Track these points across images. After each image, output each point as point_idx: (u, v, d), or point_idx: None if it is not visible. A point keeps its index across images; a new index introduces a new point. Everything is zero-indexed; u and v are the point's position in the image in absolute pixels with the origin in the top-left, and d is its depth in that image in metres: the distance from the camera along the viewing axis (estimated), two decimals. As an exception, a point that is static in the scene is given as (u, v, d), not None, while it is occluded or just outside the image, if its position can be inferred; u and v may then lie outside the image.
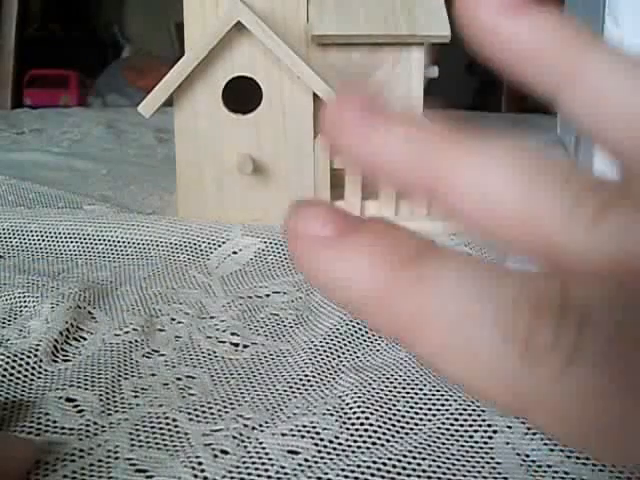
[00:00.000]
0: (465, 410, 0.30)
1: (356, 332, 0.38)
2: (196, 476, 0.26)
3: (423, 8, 0.58)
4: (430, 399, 0.31)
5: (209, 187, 0.55)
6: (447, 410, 0.30)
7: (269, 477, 0.26)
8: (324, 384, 0.33)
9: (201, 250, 0.49)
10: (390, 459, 0.27)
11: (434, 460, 0.27)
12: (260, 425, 0.29)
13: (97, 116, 1.14)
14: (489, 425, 0.29)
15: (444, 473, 0.27)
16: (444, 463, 0.27)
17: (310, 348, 0.36)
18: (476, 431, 0.29)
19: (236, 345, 0.37)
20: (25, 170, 0.73)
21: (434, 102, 0.84)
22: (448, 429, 0.29)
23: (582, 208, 0.13)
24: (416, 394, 0.31)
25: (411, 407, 0.30)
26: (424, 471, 0.27)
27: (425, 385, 0.31)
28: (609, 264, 0.13)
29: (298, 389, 0.33)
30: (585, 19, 0.72)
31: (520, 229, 0.14)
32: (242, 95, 0.54)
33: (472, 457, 0.27)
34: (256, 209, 0.55)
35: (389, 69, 0.59)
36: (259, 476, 0.26)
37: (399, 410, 0.30)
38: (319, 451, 0.28)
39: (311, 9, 0.56)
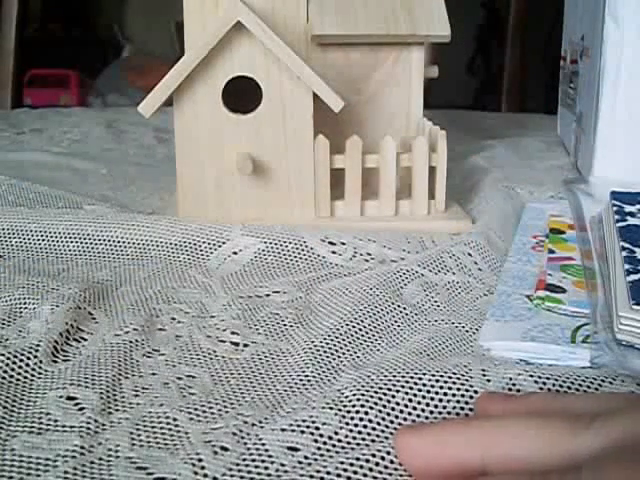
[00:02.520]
0: (464, 406, 0.30)
1: (356, 332, 0.38)
2: (196, 473, 0.26)
3: (423, 8, 0.58)
4: (429, 391, 0.31)
5: (209, 187, 0.55)
6: (447, 404, 0.30)
7: (269, 475, 0.26)
8: (324, 383, 0.33)
9: (201, 250, 0.49)
10: (389, 453, 0.27)
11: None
12: (260, 421, 0.30)
13: (97, 116, 1.14)
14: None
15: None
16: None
17: (310, 348, 0.36)
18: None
19: (236, 344, 0.37)
20: (25, 170, 0.73)
21: (434, 102, 0.85)
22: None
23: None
24: (415, 384, 0.31)
25: (410, 400, 0.30)
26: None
27: (425, 374, 0.31)
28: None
29: (298, 388, 0.33)
30: (585, 19, 0.73)
31: None
32: (242, 95, 0.55)
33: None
34: (256, 209, 0.55)
35: (389, 69, 0.60)
36: (259, 474, 0.26)
37: (397, 403, 0.30)
38: (319, 448, 0.28)
39: (311, 9, 0.56)
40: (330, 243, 0.50)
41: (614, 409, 0.25)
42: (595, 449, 0.23)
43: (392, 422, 0.29)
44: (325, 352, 0.36)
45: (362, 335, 0.38)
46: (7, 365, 0.34)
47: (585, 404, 0.26)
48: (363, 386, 0.31)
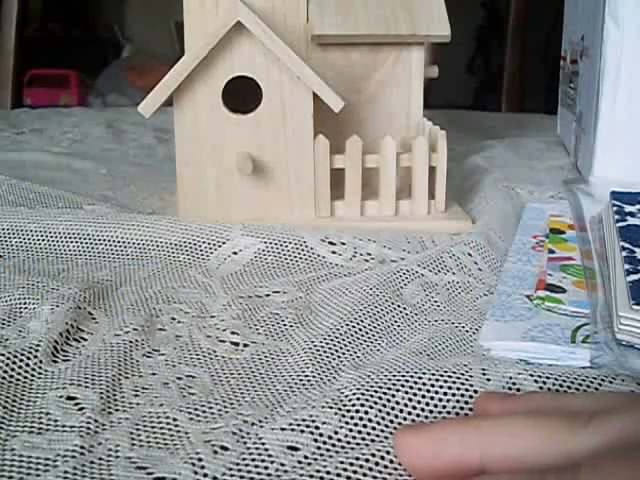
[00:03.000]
0: (464, 406, 0.30)
1: (356, 332, 0.38)
2: (196, 472, 0.26)
3: (423, 8, 0.58)
4: (429, 391, 0.31)
5: (209, 187, 0.55)
6: (447, 403, 0.30)
7: (269, 474, 0.26)
8: (324, 383, 0.33)
9: (201, 250, 0.49)
10: (389, 452, 0.27)
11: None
12: (259, 421, 0.30)
13: (97, 116, 1.14)
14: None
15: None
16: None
17: (310, 348, 0.36)
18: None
19: (236, 344, 0.37)
20: (25, 170, 0.73)
21: (434, 102, 0.85)
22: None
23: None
24: (415, 384, 0.31)
25: (409, 399, 0.30)
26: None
27: (425, 373, 0.31)
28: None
29: (298, 388, 0.33)
30: (585, 19, 0.73)
31: None
32: (242, 95, 0.55)
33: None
34: (256, 209, 0.55)
35: (389, 69, 0.60)
36: (259, 473, 0.26)
37: (397, 403, 0.30)
38: (318, 447, 0.28)
39: (311, 9, 0.56)
40: (330, 243, 0.50)
41: (613, 407, 0.25)
42: (593, 447, 0.23)
43: (392, 421, 0.29)
44: (325, 352, 0.36)
45: (362, 335, 0.38)
46: (7, 365, 0.34)
47: (584, 403, 0.26)
48: (363, 385, 0.31)
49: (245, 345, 0.37)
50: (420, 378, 0.31)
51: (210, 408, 0.31)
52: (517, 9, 1.58)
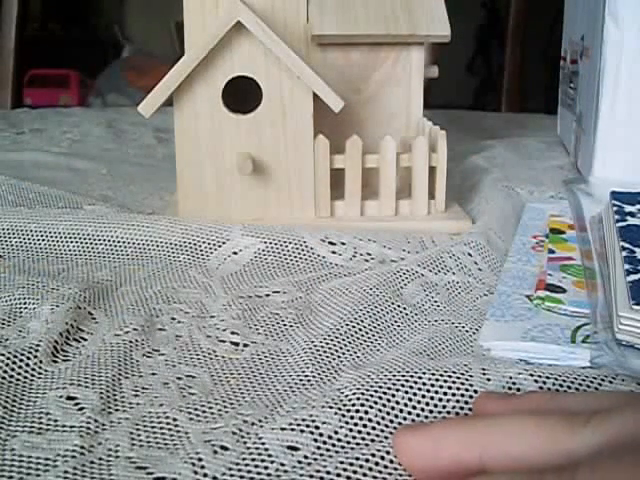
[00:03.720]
0: (464, 406, 0.30)
1: (356, 332, 0.38)
2: (196, 472, 0.26)
3: (423, 8, 0.58)
4: (429, 391, 0.31)
5: (209, 187, 0.55)
6: (447, 403, 0.30)
7: (269, 474, 0.26)
8: (324, 383, 0.33)
9: (201, 250, 0.49)
10: (389, 452, 0.27)
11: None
12: (259, 420, 0.30)
13: (97, 116, 1.14)
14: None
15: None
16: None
17: (310, 348, 0.36)
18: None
19: (236, 344, 0.37)
20: (25, 170, 0.73)
21: (434, 102, 0.85)
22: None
23: None
24: (415, 383, 0.31)
25: (409, 399, 0.30)
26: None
27: (424, 373, 0.31)
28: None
29: (298, 388, 0.33)
30: (585, 19, 0.73)
31: None
32: (242, 95, 0.55)
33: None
34: (256, 209, 0.55)
35: (389, 69, 0.60)
36: (259, 473, 0.26)
37: (397, 403, 0.30)
38: (318, 447, 0.28)
39: (311, 9, 0.56)
40: (330, 243, 0.50)
41: (612, 407, 0.25)
42: (593, 447, 0.23)
43: (392, 421, 0.29)
44: (325, 352, 0.36)
45: (362, 335, 0.38)
46: (7, 365, 0.34)
47: (584, 402, 0.26)
48: (363, 385, 0.31)
49: (245, 345, 0.37)
50: (420, 378, 0.31)
51: (210, 408, 0.31)
52: (517, 9, 1.58)
